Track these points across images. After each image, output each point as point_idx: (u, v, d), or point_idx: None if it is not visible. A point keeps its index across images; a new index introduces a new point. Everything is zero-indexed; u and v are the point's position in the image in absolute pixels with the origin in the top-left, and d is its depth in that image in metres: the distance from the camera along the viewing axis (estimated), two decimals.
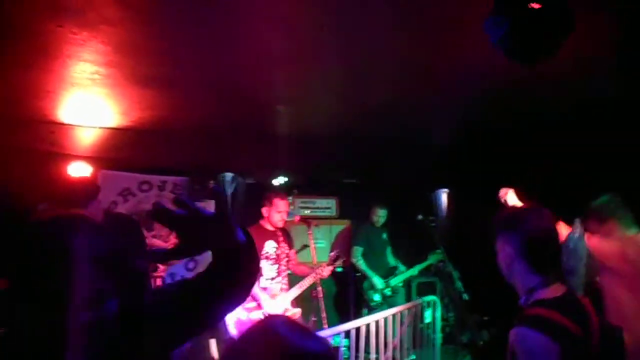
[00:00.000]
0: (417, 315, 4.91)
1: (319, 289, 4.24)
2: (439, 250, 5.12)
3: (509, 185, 3.21)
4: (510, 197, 3.11)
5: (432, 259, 5.57)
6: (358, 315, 5.41)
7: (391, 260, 5.81)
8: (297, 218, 4.58)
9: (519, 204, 3.01)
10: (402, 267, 5.74)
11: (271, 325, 1.05)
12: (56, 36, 2.39)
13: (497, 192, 5.69)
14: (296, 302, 4.30)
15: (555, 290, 1.56)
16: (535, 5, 1.49)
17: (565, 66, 2.44)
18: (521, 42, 1.56)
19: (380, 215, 5.77)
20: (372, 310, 5.28)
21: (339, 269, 5.88)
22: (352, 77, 3.27)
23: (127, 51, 2.67)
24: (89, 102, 3.56)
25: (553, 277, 1.59)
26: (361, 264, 5.55)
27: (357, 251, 5.60)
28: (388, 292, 5.49)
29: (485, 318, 5.67)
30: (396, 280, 5.60)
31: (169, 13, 2.27)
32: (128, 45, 2.58)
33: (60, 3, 2.06)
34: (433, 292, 5.94)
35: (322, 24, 2.48)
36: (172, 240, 5.38)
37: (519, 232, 1.62)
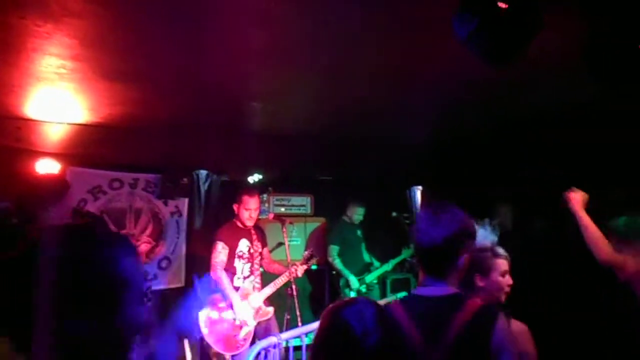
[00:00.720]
0: None
1: (293, 287, 4.23)
2: (412, 245, 5.17)
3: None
4: (579, 203, 2.98)
5: (405, 254, 5.63)
6: None
7: (366, 257, 5.85)
8: (271, 216, 4.57)
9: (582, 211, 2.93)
10: (376, 264, 5.78)
11: None
12: (19, 29, 2.31)
13: (467, 189, 5.78)
14: (270, 300, 4.29)
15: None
16: (503, 5, 1.51)
17: (536, 68, 2.49)
18: (489, 40, 1.57)
19: (358, 213, 5.79)
20: None
21: (314, 267, 5.89)
22: (327, 75, 3.26)
23: (94, 44, 2.60)
24: (56, 97, 3.47)
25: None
26: (337, 262, 5.56)
27: (334, 250, 5.62)
28: (363, 289, 5.53)
29: None
30: (371, 277, 5.64)
31: (137, 5, 2.22)
32: (95, 38, 2.51)
33: None
34: (407, 289, 6.00)
35: (297, 20, 2.46)
36: (144, 239, 5.30)
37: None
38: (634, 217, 3.05)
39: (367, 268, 5.73)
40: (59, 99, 3.51)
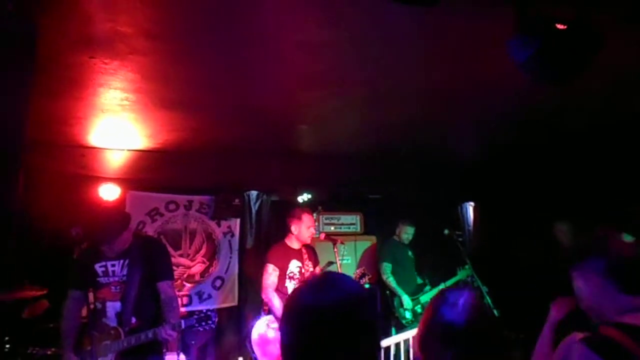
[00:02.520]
0: None
1: None
2: (467, 266, 5.03)
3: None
4: None
5: (461, 275, 5.47)
6: (386, 333, 5.35)
7: (418, 278, 5.74)
8: (322, 236, 4.57)
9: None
10: (428, 285, 5.66)
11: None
12: (88, 67, 2.46)
13: (522, 204, 5.58)
14: None
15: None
16: (561, 26, 1.47)
17: (593, 83, 2.40)
18: (550, 63, 1.54)
19: (407, 232, 5.71)
20: (401, 328, 5.20)
21: (366, 286, 5.83)
22: (374, 98, 3.28)
23: (154, 78, 2.73)
24: (117, 126, 3.65)
25: None
26: (391, 280, 5.49)
27: (387, 267, 5.55)
28: (419, 309, 5.41)
29: (522, 336, 5.52)
30: (426, 297, 5.52)
31: (194, 41, 2.32)
32: (156, 72, 2.64)
33: (92, 36, 2.12)
34: None
35: (344, 46, 2.49)
36: (199, 259, 5.45)
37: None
38: None
39: (421, 289, 5.62)
40: (120, 127, 3.70)
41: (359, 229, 6.26)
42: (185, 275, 5.36)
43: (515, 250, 5.86)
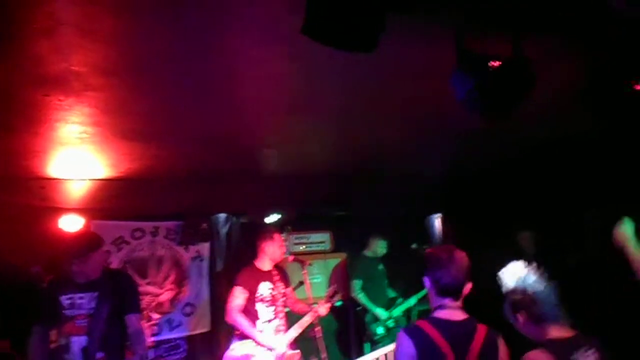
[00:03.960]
0: None
1: (317, 328, 4.21)
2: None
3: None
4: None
5: None
6: (359, 350, 5.37)
7: (389, 292, 5.79)
8: (290, 258, 4.57)
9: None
10: (400, 298, 5.72)
11: None
12: (43, 104, 2.44)
13: (488, 215, 5.71)
14: (295, 343, 4.26)
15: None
16: (495, 63, 1.55)
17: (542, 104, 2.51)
18: (485, 99, 1.61)
19: (379, 246, 5.77)
20: (375, 344, 5.23)
21: (338, 303, 5.86)
22: (339, 120, 3.34)
23: (112, 111, 2.72)
24: (77, 157, 3.60)
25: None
26: (361, 297, 5.53)
27: (357, 284, 5.59)
28: (391, 323, 5.45)
29: None
30: (398, 311, 5.57)
31: (151, 75, 2.33)
32: (113, 105, 2.64)
33: (46, 75, 2.11)
34: None
35: (304, 75, 2.54)
36: (167, 287, 5.36)
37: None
38: None
39: (392, 302, 5.68)
40: (81, 158, 3.65)
41: (328, 247, 6.29)
42: (153, 304, 5.26)
43: (481, 260, 5.99)
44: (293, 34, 1.65)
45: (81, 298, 2.99)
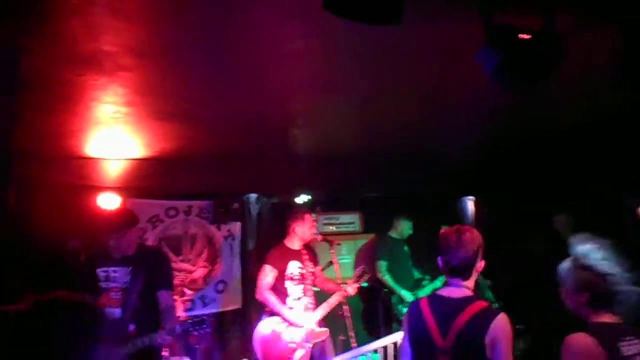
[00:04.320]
0: None
1: (345, 307, 4.25)
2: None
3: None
4: None
5: None
6: (388, 330, 5.39)
7: (415, 273, 5.77)
8: (319, 237, 4.61)
9: None
10: (426, 280, 5.69)
11: None
12: (78, 83, 2.52)
13: (522, 198, 5.58)
14: (324, 321, 4.32)
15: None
16: (525, 36, 1.50)
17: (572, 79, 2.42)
18: (514, 73, 1.57)
19: (405, 227, 5.74)
20: (402, 325, 5.25)
21: (365, 284, 5.88)
22: (366, 101, 3.32)
23: (145, 92, 2.79)
24: (113, 137, 3.71)
25: None
26: (387, 278, 5.54)
27: (382, 266, 5.59)
28: None
29: (519, 327, 5.57)
30: (423, 292, 5.56)
31: (180, 57, 2.37)
32: (145, 86, 2.70)
33: (79, 55, 2.18)
34: None
35: (333, 53, 2.53)
36: (200, 264, 5.51)
37: None
38: None
39: (419, 284, 5.65)
40: (116, 138, 3.76)
41: (358, 228, 6.30)
42: (187, 281, 5.42)
43: (515, 243, 5.89)
44: (318, 10, 1.64)
45: (115, 271, 3.09)
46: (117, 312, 3.04)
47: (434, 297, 2.17)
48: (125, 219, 3.18)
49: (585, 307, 1.95)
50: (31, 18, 1.88)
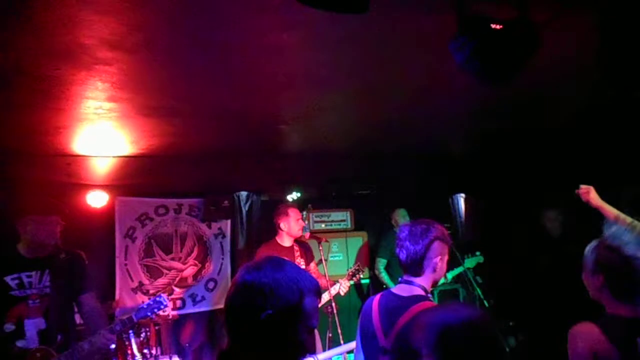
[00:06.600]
0: None
1: (333, 304, 4.23)
2: (477, 252, 5.08)
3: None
4: (593, 196, 2.95)
5: (468, 263, 5.45)
6: None
7: None
8: (307, 235, 4.59)
9: (601, 202, 2.88)
10: None
11: None
12: (56, 79, 2.49)
13: (512, 194, 5.56)
14: None
15: None
16: (497, 26, 1.48)
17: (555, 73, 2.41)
18: (485, 63, 1.55)
19: (402, 215, 5.70)
20: None
21: (365, 281, 5.87)
22: (357, 96, 3.30)
23: (127, 86, 2.76)
24: (99, 134, 3.68)
25: None
26: (383, 276, 5.53)
27: (380, 263, 5.58)
28: None
29: (511, 324, 5.56)
30: None
31: (160, 49, 2.34)
32: (126, 81, 2.67)
33: (54, 48, 2.15)
34: (457, 300, 5.86)
35: (319, 49, 2.50)
36: (190, 262, 5.48)
37: None
38: None
39: None
40: (103, 135, 3.73)
41: (349, 225, 6.28)
42: (177, 279, 5.40)
43: (506, 240, 5.89)
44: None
45: (29, 276, 2.76)
46: (40, 322, 2.71)
47: (386, 295, 2.09)
48: (49, 203, 2.96)
49: (603, 293, 1.80)
50: (6, 10, 1.86)
